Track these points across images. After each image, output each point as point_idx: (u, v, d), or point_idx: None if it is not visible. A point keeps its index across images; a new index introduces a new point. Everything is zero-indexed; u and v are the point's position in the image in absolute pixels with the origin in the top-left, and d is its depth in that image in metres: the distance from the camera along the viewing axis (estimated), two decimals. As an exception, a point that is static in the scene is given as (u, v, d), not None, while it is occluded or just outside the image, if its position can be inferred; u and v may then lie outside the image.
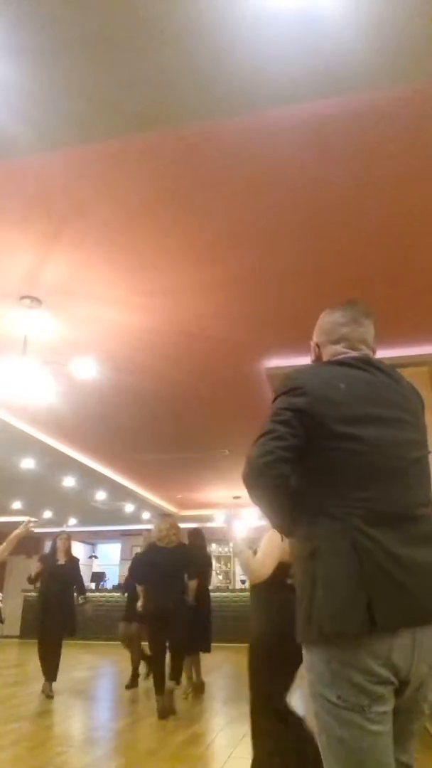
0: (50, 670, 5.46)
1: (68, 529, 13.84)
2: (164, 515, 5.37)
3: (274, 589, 2.36)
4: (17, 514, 12.27)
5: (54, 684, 5.56)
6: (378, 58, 2.09)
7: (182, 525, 11.48)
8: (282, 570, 2.33)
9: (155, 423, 6.66)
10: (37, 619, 5.62)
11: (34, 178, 2.80)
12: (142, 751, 3.61)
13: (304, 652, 1.30)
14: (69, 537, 6.05)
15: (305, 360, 5.33)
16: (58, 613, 5.55)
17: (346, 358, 1.47)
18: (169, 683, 4.52)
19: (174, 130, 2.48)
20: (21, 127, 2.41)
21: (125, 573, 9.65)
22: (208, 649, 5.35)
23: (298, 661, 2.26)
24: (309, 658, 1.27)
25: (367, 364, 1.45)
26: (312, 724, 1.28)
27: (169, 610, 4.58)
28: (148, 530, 5.33)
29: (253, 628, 2.42)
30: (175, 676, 4.64)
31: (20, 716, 4.61)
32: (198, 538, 5.73)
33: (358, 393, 1.36)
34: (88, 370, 4.90)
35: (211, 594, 5.71)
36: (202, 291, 3.82)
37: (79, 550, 16.50)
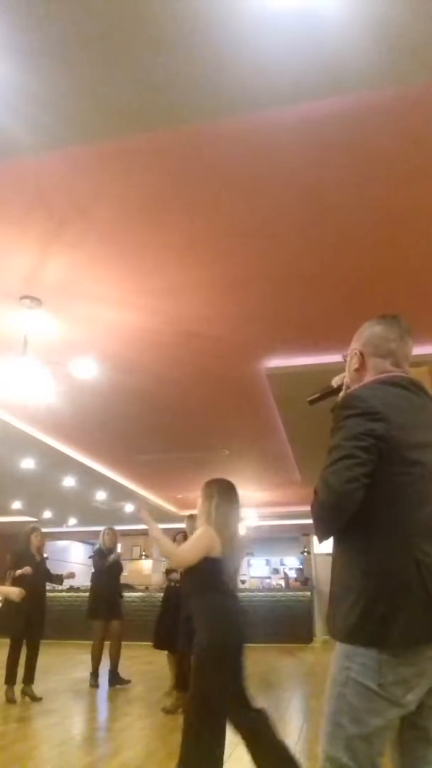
0: (32, 671, 5.32)
1: (67, 529, 13.84)
2: (193, 514, 5.30)
3: (213, 588, 2.41)
4: (17, 514, 12.28)
5: (53, 684, 5.56)
6: (378, 58, 2.09)
7: (182, 525, 11.50)
8: (213, 566, 2.37)
9: (155, 423, 6.66)
10: (17, 619, 5.27)
11: (34, 178, 2.80)
12: (142, 750, 3.61)
13: (346, 646, 1.34)
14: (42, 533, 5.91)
15: (305, 360, 5.29)
16: (40, 613, 5.46)
17: (400, 378, 1.51)
18: None
19: (174, 130, 2.48)
20: (21, 127, 2.42)
21: (125, 573, 9.63)
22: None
23: (236, 661, 2.32)
24: (352, 650, 1.32)
25: (416, 387, 1.52)
26: (327, 703, 1.35)
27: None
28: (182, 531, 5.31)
29: (198, 632, 2.41)
30: None
31: (20, 716, 4.61)
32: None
33: (417, 419, 1.43)
34: (88, 370, 4.90)
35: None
36: (202, 291, 3.82)
37: (79, 550, 16.52)
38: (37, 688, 5.57)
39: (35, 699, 5.14)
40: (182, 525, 5.28)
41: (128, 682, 5.91)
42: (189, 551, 2.41)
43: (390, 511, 1.34)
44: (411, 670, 1.27)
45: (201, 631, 2.38)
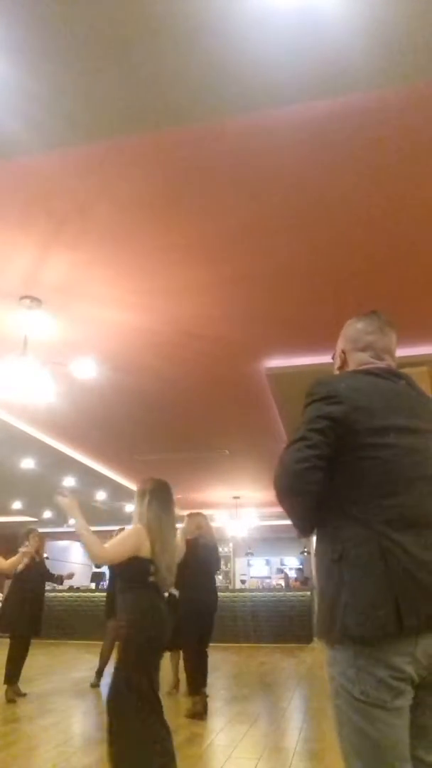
0: (20, 670, 5.38)
1: (67, 529, 13.82)
2: (196, 512, 5.31)
3: (137, 586, 2.47)
4: (17, 514, 12.29)
5: (54, 684, 5.57)
6: (378, 58, 2.09)
7: (182, 525, 11.53)
8: (139, 564, 2.44)
9: (155, 423, 6.66)
10: (20, 618, 5.36)
11: (34, 178, 2.80)
12: (142, 751, 3.60)
13: (326, 648, 1.33)
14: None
15: (305, 360, 5.30)
16: (38, 613, 5.50)
17: (374, 367, 1.52)
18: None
19: (174, 130, 2.48)
20: (21, 127, 2.42)
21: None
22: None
23: (155, 654, 2.43)
24: (332, 654, 1.31)
25: (392, 374, 1.51)
26: (332, 716, 1.31)
27: (211, 606, 4.67)
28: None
29: (123, 624, 2.50)
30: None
31: (20, 716, 4.61)
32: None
33: (387, 403, 1.41)
34: (88, 370, 4.90)
35: None
36: (201, 291, 3.82)
37: (79, 550, 16.50)
38: (37, 687, 5.59)
39: (20, 694, 5.23)
40: (180, 525, 5.27)
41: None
42: (113, 549, 2.44)
43: (354, 497, 1.32)
44: (388, 672, 1.21)
45: (124, 626, 2.47)
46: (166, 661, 5.69)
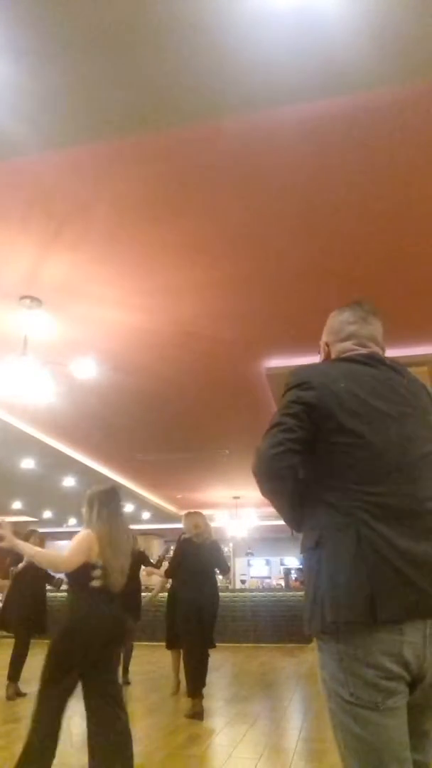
0: (19, 670, 5.36)
1: (67, 529, 13.84)
2: (194, 512, 5.27)
3: (79, 589, 2.57)
4: (17, 514, 12.28)
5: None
6: (376, 59, 2.09)
7: (182, 525, 11.49)
8: (86, 570, 2.52)
9: (155, 423, 6.66)
10: (20, 618, 5.37)
11: (34, 178, 2.80)
12: (142, 750, 3.61)
13: (316, 649, 1.31)
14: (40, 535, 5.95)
15: (305, 360, 5.34)
16: (39, 614, 5.50)
17: (353, 354, 1.49)
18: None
19: (174, 130, 2.48)
20: (21, 127, 2.42)
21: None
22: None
23: (84, 656, 2.47)
24: (321, 656, 1.29)
25: (372, 359, 1.46)
26: (328, 720, 1.29)
27: (211, 606, 4.66)
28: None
29: (61, 622, 2.61)
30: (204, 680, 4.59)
31: (20, 716, 4.61)
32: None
33: (364, 388, 1.37)
34: (88, 370, 4.90)
35: None
36: (202, 291, 3.83)
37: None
38: (35, 688, 5.58)
39: (20, 694, 5.22)
40: (180, 525, 5.29)
41: (128, 683, 5.93)
42: (72, 556, 2.53)
43: (332, 484, 1.30)
44: (376, 673, 1.18)
45: (62, 622, 2.58)
46: (168, 660, 5.72)
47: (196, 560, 4.76)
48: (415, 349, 4.47)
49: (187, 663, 4.58)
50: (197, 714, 4.37)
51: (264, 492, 1.35)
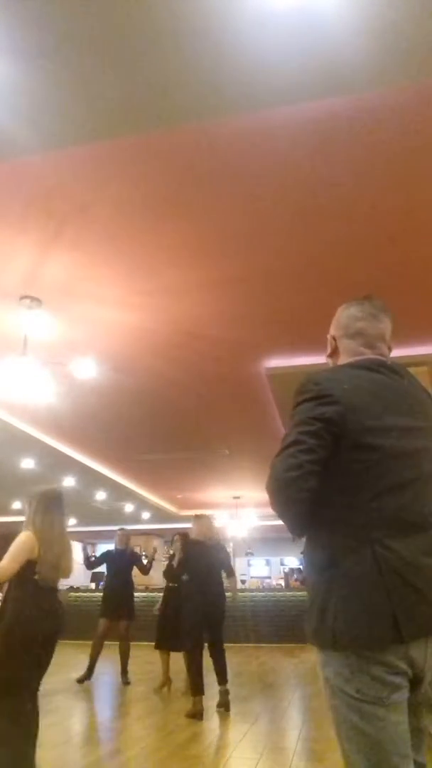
0: None
1: (67, 529, 13.84)
2: (204, 515, 5.44)
3: (22, 583, 2.65)
4: (17, 515, 12.28)
5: (53, 684, 5.54)
6: (377, 58, 2.09)
7: (182, 525, 11.54)
8: (30, 566, 2.66)
9: (155, 423, 6.66)
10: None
11: (34, 178, 2.80)
12: (142, 750, 3.61)
13: (317, 651, 1.30)
14: None
15: (305, 360, 5.29)
16: None
17: (365, 360, 1.44)
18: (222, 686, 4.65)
19: (174, 130, 2.48)
20: (21, 127, 2.42)
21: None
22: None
23: (34, 649, 2.55)
24: (324, 656, 1.28)
25: (388, 369, 1.42)
26: (330, 718, 1.29)
27: (218, 607, 4.80)
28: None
29: (5, 618, 2.68)
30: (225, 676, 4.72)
31: (20, 716, 4.60)
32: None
33: (383, 402, 1.34)
34: (88, 370, 4.90)
35: None
36: (202, 291, 3.83)
37: (79, 550, 16.52)
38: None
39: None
40: (180, 525, 5.34)
41: (128, 683, 5.92)
42: (10, 563, 2.64)
43: (347, 501, 1.26)
44: (382, 669, 1.19)
45: (7, 618, 2.65)
46: (157, 658, 5.73)
47: (208, 563, 4.88)
48: (415, 349, 4.47)
49: (191, 662, 4.59)
50: (197, 714, 4.38)
51: (276, 509, 1.27)
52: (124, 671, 6.04)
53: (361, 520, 1.24)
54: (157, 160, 2.67)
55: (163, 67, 2.14)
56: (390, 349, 1.52)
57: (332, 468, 1.26)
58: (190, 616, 4.67)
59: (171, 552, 6.14)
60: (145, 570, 6.45)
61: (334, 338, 1.54)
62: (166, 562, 6.21)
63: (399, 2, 1.90)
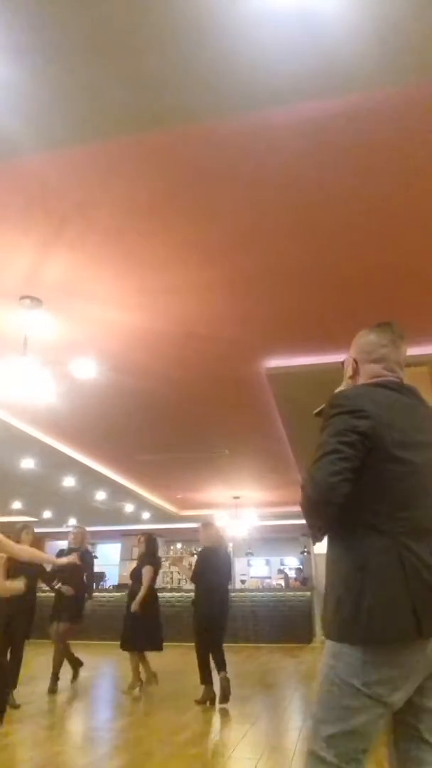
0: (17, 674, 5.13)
1: (67, 529, 13.85)
2: (208, 522, 5.80)
3: None
4: (17, 514, 12.28)
5: (53, 684, 5.55)
6: (377, 59, 2.09)
7: (182, 525, 11.49)
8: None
9: (155, 423, 6.66)
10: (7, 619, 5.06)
11: (34, 178, 2.80)
12: (142, 750, 3.61)
13: (332, 643, 1.38)
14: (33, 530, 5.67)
15: (305, 360, 5.30)
16: (28, 615, 5.23)
17: (390, 382, 1.57)
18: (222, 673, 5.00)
19: (174, 130, 2.48)
20: (21, 127, 2.42)
21: (126, 573, 9.61)
22: (160, 648, 5.67)
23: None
24: (339, 648, 1.36)
25: (408, 390, 1.57)
26: (318, 693, 1.40)
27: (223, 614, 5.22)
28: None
29: None
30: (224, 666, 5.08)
31: (20, 716, 4.61)
32: (152, 543, 6.10)
33: (407, 418, 1.48)
34: (88, 370, 4.90)
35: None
36: (202, 291, 3.82)
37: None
38: (36, 688, 5.57)
39: (14, 706, 4.77)
40: (180, 525, 5.46)
41: (55, 692, 5.58)
42: None
43: (377, 509, 1.38)
44: (396, 671, 1.29)
45: None
46: (165, 660, 5.73)
47: (220, 567, 5.33)
48: (415, 349, 4.47)
49: (206, 654, 5.03)
50: (209, 699, 4.89)
51: (311, 514, 1.39)
52: (54, 676, 5.65)
53: (391, 526, 1.36)
54: (157, 160, 2.67)
55: (163, 67, 2.14)
56: (404, 373, 1.66)
57: (366, 478, 1.39)
58: (199, 620, 5.10)
59: (139, 552, 6.15)
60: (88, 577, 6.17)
61: (356, 361, 1.66)
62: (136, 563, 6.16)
63: (399, 2, 1.90)
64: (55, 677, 5.63)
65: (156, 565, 5.92)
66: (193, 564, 5.61)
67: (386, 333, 1.64)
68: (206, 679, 4.99)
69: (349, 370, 1.67)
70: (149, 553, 5.97)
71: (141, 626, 5.51)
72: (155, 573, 5.86)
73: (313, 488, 1.36)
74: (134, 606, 5.53)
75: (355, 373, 1.65)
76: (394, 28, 1.98)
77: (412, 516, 1.36)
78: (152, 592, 5.77)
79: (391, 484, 1.38)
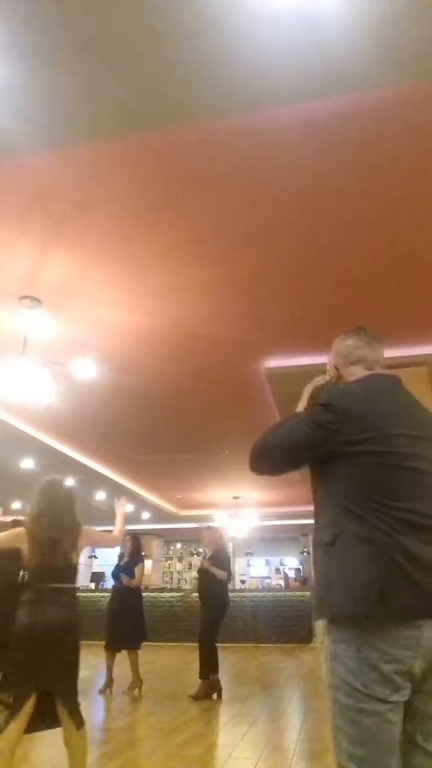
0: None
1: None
2: (212, 526, 6.22)
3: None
4: (17, 515, 12.28)
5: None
6: (377, 59, 2.09)
7: (181, 525, 11.50)
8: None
9: (155, 423, 6.66)
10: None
11: (34, 178, 2.80)
12: (142, 751, 3.61)
13: (329, 643, 1.39)
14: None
15: (305, 360, 5.30)
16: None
17: (375, 375, 1.63)
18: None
19: (174, 131, 2.48)
20: (21, 127, 2.41)
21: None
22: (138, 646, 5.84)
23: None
24: (333, 647, 1.36)
25: (390, 381, 1.61)
26: (328, 711, 1.37)
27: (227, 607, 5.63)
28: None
29: None
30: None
31: (20, 716, 4.60)
32: (139, 542, 6.31)
33: (385, 409, 1.50)
34: (88, 370, 4.90)
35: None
36: (202, 291, 3.82)
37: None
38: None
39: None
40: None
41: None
42: None
43: (352, 497, 1.40)
44: (392, 667, 1.27)
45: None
46: (165, 661, 5.73)
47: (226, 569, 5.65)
48: (415, 349, 4.47)
49: (212, 651, 5.28)
50: (199, 696, 5.06)
51: (263, 452, 1.56)
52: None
53: (367, 511, 1.37)
54: (157, 160, 2.67)
55: (163, 67, 2.14)
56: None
57: (340, 464, 1.44)
58: (216, 616, 5.38)
59: (121, 551, 6.17)
60: None
61: (336, 367, 1.74)
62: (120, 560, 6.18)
63: (399, 3, 1.90)
64: None
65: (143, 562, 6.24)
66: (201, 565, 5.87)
67: (361, 336, 1.72)
68: (207, 674, 5.20)
69: (332, 376, 1.75)
70: (138, 551, 6.16)
71: (132, 623, 5.66)
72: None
73: (272, 437, 1.54)
74: (131, 582, 5.76)
75: (338, 378, 1.73)
76: (394, 29, 1.98)
77: (394, 506, 1.36)
78: (139, 588, 5.94)
79: (368, 472, 1.41)
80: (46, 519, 2.78)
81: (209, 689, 5.16)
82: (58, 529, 2.78)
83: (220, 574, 5.51)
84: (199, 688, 5.17)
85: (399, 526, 1.33)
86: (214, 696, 5.14)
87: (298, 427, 1.50)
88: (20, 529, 2.81)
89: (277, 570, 15.25)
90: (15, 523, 5.51)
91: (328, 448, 1.45)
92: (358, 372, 1.66)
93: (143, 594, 6.30)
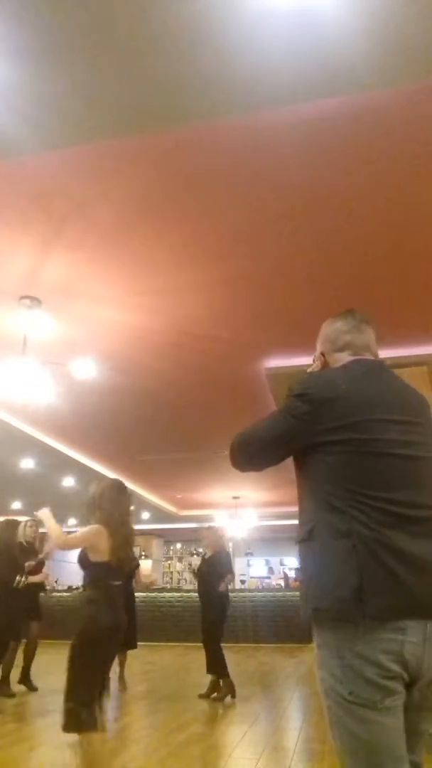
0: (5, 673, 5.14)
1: (67, 529, 13.84)
2: (212, 527, 6.24)
3: None
4: (17, 515, 12.28)
5: (53, 684, 5.54)
6: (377, 59, 2.09)
7: (181, 525, 11.52)
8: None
9: (155, 423, 6.66)
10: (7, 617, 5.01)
11: (34, 178, 2.80)
12: (142, 750, 3.61)
13: (315, 648, 1.32)
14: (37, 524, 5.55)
15: (305, 360, 5.33)
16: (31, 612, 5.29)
17: (357, 362, 1.52)
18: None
19: (174, 131, 2.48)
20: (21, 127, 2.42)
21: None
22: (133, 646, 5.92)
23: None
24: (320, 654, 1.29)
25: (377, 365, 1.51)
26: (326, 718, 1.29)
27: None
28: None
29: None
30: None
31: (20, 716, 4.61)
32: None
33: (366, 395, 1.40)
34: (88, 370, 4.90)
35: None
36: (202, 291, 3.82)
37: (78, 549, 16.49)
38: (38, 687, 5.57)
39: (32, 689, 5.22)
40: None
41: (35, 689, 5.53)
42: (67, 541, 2.91)
43: (330, 489, 1.32)
44: (374, 670, 1.18)
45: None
46: (166, 661, 5.74)
47: (228, 570, 5.77)
48: (415, 349, 4.47)
49: (220, 653, 5.26)
50: (207, 694, 5.11)
51: (240, 449, 1.51)
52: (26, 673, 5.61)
53: (346, 502, 1.28)
54: (157, 160, 2.67)
55: (163, 67, 2.14)
56: (376, 357, 1.59)
57: (318, 454, 1.36)
58: (217, 616, 5.35)
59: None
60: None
61: (322, 354, 1.63)
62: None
63: (399, 2, 1.90)
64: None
65: None
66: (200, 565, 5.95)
67: (348, 319, 1.61)
68: (225, 672, 5.24)
69: (317, 364, 1.64)
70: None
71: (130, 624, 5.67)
72: None
73: (250, 436, 1.48)
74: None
75: (324, 365, 1.62)
76: (394, 29, 1.98)
77: (376, 496, 1.26)
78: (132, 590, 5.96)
79: (348, 462, 1.32)
80: (122, 518, 2.88)
81: (229, 689, 5.14)
82: (130, 530, 2.91)
83: (221, 587, 5.53)
84: (222, 687, 5.16)
85: (384, 517, 1.24)
86: (228, 698, 5.11)
87: (274, 421, 1.44)
88: (99, 527, 2.82)
89: (271, 569, 15.21)
90: (8, 523, 5.53)
91: (307, 439, 1.37)
92: (344, 359, 1.55)
93: (143, 594, 6.29)
